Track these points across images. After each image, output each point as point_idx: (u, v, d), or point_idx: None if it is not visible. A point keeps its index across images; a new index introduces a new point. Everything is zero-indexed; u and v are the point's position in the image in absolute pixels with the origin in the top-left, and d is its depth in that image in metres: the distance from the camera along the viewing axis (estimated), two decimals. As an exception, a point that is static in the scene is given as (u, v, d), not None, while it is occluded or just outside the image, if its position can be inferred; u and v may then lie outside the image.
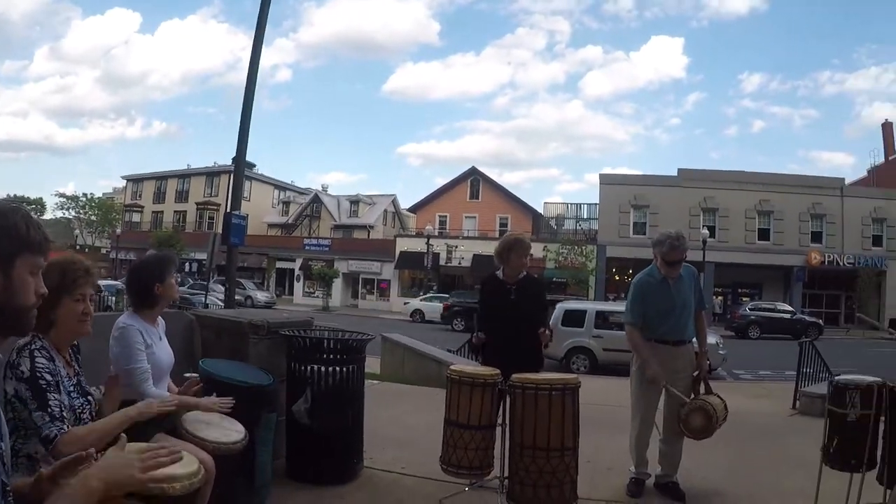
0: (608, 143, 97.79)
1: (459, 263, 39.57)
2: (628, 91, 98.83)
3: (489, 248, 6.21)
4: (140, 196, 55.95)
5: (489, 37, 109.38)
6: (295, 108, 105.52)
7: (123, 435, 1.60)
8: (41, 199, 56.19)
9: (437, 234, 41.66)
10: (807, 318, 29.45)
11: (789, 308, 30.35)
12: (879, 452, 3.51)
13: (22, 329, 1.43)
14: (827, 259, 35.04)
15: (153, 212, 54.30)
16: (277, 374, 4.14)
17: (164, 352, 3.13)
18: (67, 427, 2.12)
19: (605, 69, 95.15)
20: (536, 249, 33.97)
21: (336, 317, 31.08)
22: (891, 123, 45.28)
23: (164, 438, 2.70)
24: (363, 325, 7.66)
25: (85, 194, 56.73)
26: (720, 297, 37.46)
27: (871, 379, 3.64)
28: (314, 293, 42.10)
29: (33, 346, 2.18)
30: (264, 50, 10.71)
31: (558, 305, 15.70)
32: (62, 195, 57.06)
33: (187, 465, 2.31)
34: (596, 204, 41.04)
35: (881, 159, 44.37)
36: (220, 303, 16.69)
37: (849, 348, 20.89)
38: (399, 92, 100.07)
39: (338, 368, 4.24)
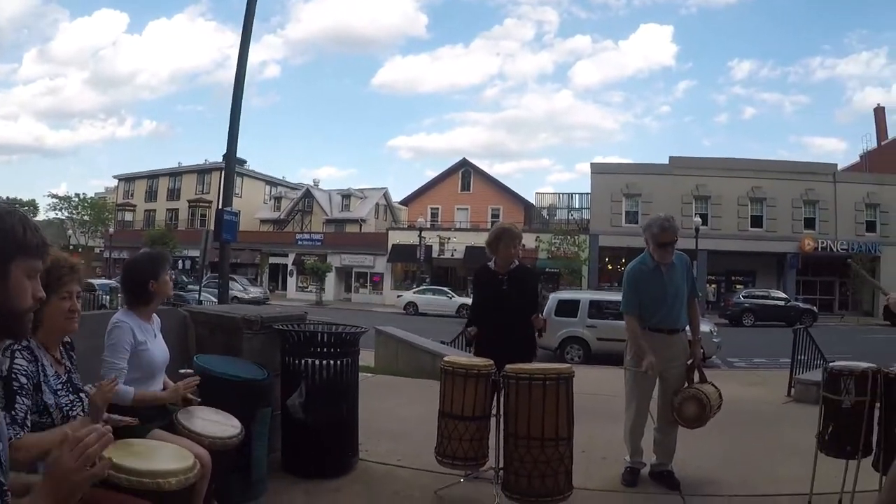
0: (598, 132, 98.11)
1: (452, 255, 39.57)
2: (618, 80, 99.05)
3: (481, 240, 6.16)
4: (132, 195, 55.87)
5: (477, 28, 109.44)
6: (284, 103, 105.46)
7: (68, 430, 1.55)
8: (34, 200, 55.84)
9: (429, 226, 41.55)
10: (801, 304, 29.52)
11: (783, 295, 30.40)
12: (875, 439, 3.51)
13: (18, 332, 1.42)
14: (820, 245, 35.01)
15: (145, 210, 54.21)
16: (272, 369, 4.14)
17: (159, 348, 3.13)
18: (23, 434, 2.07)
19: (593, 58, 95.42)
20: (529, 240, 34.04)
21: (329, 311, 30.96)
22: (883, 108, 45.57)
23: (161, 435, 2.69)
24: (357, 319, 7.66)
25: (77, 195, 56.40)
26: (713, 285, 37.48)
27: (865, 365, 3.64)
28: (307, 288, 42.10)
29: (16, 346, 2.16)
30: (252, 46, 10.69)
31: (552, 295, 15.72)
32: (54, 196, 56.83)
33: (182, 460, 2.30)
34: (587, 193, 40.94)
35: (874, 144, 44.38)
36: (213, 299, 16.72)
37: (843, 335, 21.04)
38: (388, 85, 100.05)
39: (332, 362, 4.23)
